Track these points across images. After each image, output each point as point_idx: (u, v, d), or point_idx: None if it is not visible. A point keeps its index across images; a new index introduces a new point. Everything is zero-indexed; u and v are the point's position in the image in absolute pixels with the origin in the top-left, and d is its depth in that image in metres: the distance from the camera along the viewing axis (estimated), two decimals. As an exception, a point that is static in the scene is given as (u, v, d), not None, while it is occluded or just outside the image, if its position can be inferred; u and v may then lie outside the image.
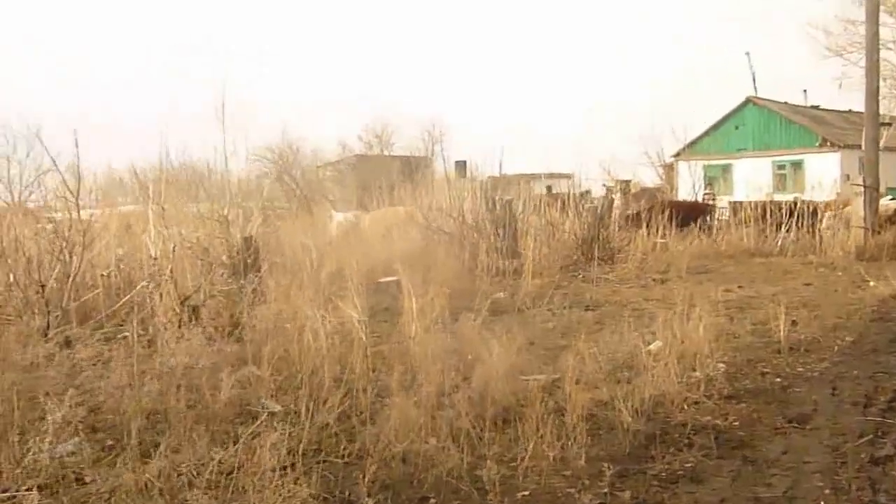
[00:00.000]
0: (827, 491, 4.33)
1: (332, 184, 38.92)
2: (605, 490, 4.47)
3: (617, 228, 16.53)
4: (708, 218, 19.51)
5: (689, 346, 7.68)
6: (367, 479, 4.59)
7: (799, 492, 4.36)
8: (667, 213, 17.76)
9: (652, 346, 8.10)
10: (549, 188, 34.01)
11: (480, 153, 44.87)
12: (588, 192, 27.78)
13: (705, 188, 30.37)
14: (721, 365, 7.44)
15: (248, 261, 10.12)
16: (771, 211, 18.38)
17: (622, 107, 70.56)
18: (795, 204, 18.65)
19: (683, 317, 8.38)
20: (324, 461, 5.08)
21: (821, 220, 18.59)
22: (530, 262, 12.87)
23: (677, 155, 36.46)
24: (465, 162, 44.75)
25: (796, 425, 5.51)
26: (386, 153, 41.50)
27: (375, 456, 5.00)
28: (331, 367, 6.03)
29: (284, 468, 4.75)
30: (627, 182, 40.32)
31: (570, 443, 5.06)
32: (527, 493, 4.52)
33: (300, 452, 5.20)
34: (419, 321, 7.51)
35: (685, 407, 6.03)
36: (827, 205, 20.24)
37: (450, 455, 4.96)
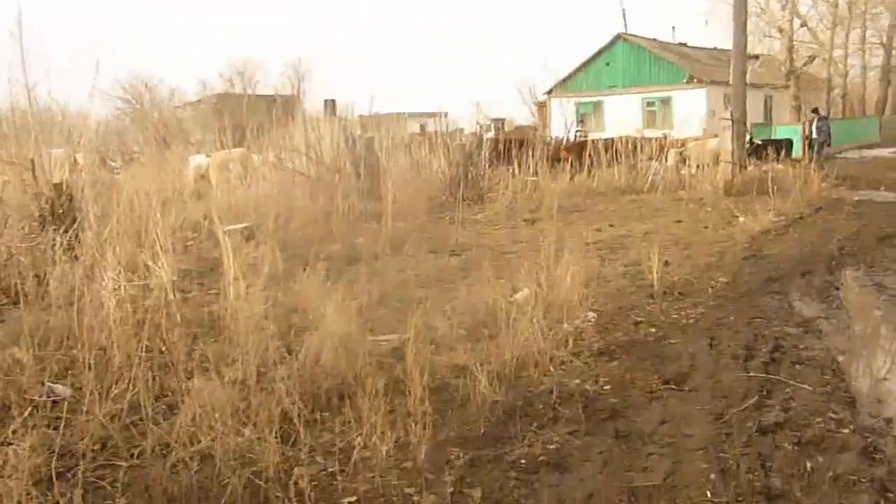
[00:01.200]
0: (712, 475, 3.63)
1: (193, 125, 36.47)
2: (451, 489, 3.61)
3: (486, 167, 15.72)
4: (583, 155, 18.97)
5: (558, 293, 6.97)
6: (149, 492, 3.57)
7: (680, 477, 3.64)
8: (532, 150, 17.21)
9: (518, 296, 7.34)
10: (422, 127, 32.98)
11: (350, 93, 43.06)
12: (461, 130, 26.95)
13: (577, 125, 30.08)
14: (591, 314, 6.76)
15: (60, 211, 8.68)
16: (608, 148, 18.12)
17: (495, 46, 69.77)
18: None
19: (552, 261, 7.68)
20: (102, 465, 4.01)
21: (665, 158, 18.55)
22: (390, 203, 11.88)
23: (549, 92, 36.08)
24: (333, 101, 42.96)
25: (673, 387, 4.83)
26: (249, 92, 39.19)
27: (170, 457, 3.98)
28: (126, 341, 4.86)
29: (46, 482, 3.67)
30: (502, 120, 39.88)
31: (413, 424, 4.16)
32: (353, 498, 3.60)
33: (78, 454, 4.12)
34: (250, 278, 6.40)
35: (551, 369, 5.26)
36: (671, 143, 20.27)
37: (266, 449, 3.98)
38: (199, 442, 4.03)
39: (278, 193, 13.24)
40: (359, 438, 4.08)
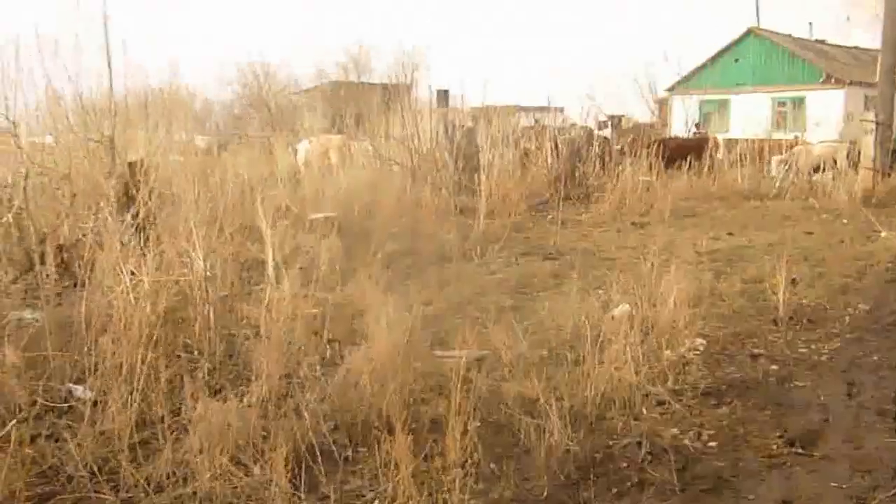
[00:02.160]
0: None
1: (306, 111, 36.69)
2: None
3: (596, 164, 14.63)
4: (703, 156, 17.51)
5: (662, 312, 5.96)
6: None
7: None
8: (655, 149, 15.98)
9: (615, 312, 6.36)
10: (536, 121, 31.88)
11: (463, 84, 42.23)
12: (573, 125, 25.76)
13: (696, 125, 28.33)
14: (700, 342, 5.72)
15: (132, 192, 8.27)
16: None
17: (616, 38, 67.62)
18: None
19: (658, 272, 6.70)
20: (86, 498, 3.36)
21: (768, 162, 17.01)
22: (485, 198, 11.04)
23: (671, 89, 34.27)
24: (447, 91, 42.40)
25: (800, 450, 3.78)
26: (364, 81, 39.07)
27: (164, 494, 3.29)
28: (132, 346, 4.21)
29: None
30: (620, 117, 38.29)
31: (453, 481, 3.31)
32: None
33: (65, 478, 3.50)
34: (303, 274, 5.73)
35: (644, 411, 4.30)
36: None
37: (274, 496, 3.23)
38: (195, 479, 3.31)
39: (371, 182, 12.61)
40: (389, 488, 3.28)
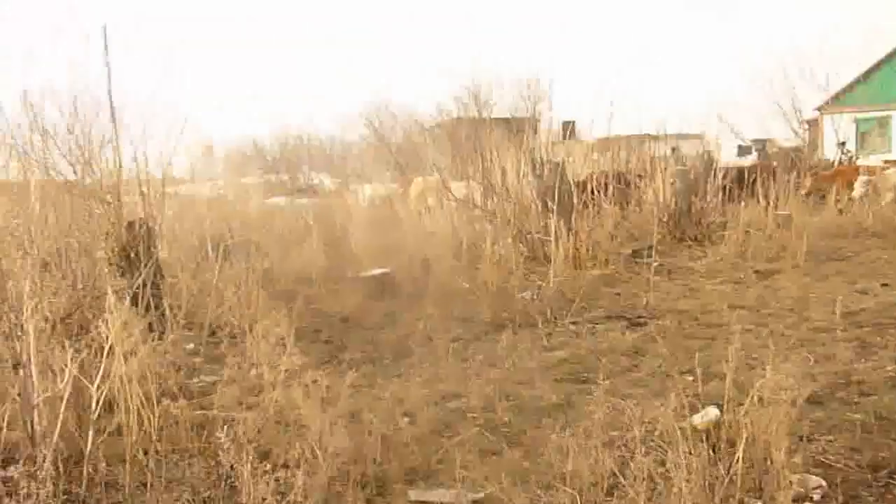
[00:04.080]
0: None
1: (431, 150, 35.82)
2: None
3: (719, 198, 12.41)
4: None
5: (762, 419, 4.06)
6: None
7: None
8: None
9: (698, 420, 4.51)
10: (673, 150, 29.43)
11: (592, 113, 40.19)
12: (707, 153, 23.22)
13: (842, 147, 24.98)
14: (817, 482, 3.75)
15: (132, 255, 7.13)
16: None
17: (753, 56, 63.21)
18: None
19: (777, 345, 4.83)
20: None
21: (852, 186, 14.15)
22: (557, 250, 9.24)
23: (820, 108, 30.81)
24: (573, 122, 40.48)
25: None
26: (485, 115, 37.88)
27: None
28: None
29: None
30: (763, 142, 35.01)
31: None
32: None
33: None
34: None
35: None
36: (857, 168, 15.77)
37: None
38: None
39: (442, 231, 11.08)
40: None
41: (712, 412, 4.47)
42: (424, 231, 11.55)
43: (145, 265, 6.94)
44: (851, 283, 8.46)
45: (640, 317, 7.46)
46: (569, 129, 39.89)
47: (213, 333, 7.09)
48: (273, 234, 11.37)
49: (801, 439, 4.22)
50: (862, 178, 14.30)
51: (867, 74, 30.15)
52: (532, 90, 38.66)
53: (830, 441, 4.22)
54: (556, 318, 7.30)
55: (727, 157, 32.53)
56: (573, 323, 7.27)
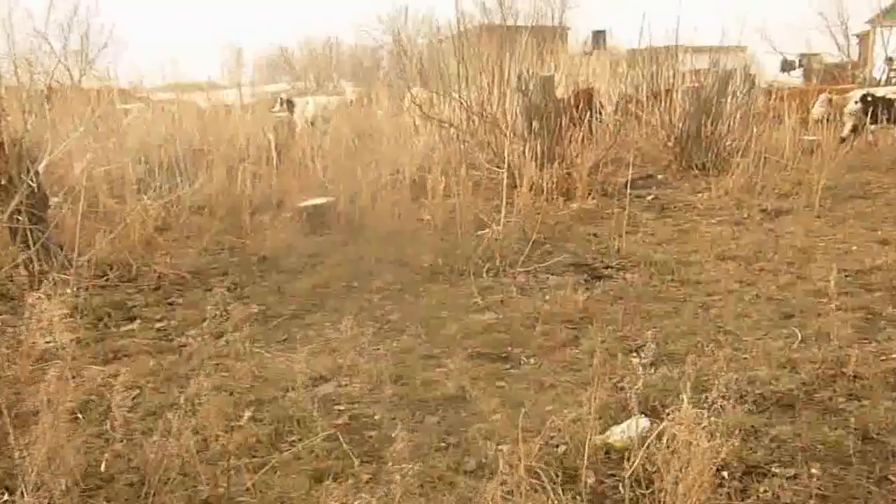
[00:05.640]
0: None
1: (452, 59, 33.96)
2: None
3: (735, 120, 10.88)
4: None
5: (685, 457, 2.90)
6: None
7: None
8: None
9: (617, 436, 3.39)
10: (714, 63, 27.43)
11: (624, 22, 37.82)
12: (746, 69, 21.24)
13: (888, 60, 22.78)
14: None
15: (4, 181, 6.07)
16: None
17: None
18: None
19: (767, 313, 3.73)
20: None
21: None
22: (521, 180, 7.95)
23: (872, 21, 28.24)
24: (604, 32, 37.94)
25: None
26: (510, 22, 35.76)
27: None
28: None
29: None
30: (810, 57, 32.56)
31: None
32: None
33: None
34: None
35: None
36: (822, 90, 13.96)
37: None
38: None
39: (410, 153, 9.80)
40: None
41: (638, 425, 3.31)
42: (400, 152, 10.29)
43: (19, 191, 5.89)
44: (872, 229, 7.10)
45: (607, 267, 6.24)
46: (600, 39, 37.58)
47: (103, 276, 6.07)
48: (235, 151, 10.21)
49: (751, 474, 3.08)
50: (822, 97, 12.65)
51: (926, -17, 27.50)
52: (558, -5, 36.43)
53: (792, 478, 3.06)
54: (505, 267, 6.12)
55: (771, 73, 30.30)
56: (527, 271, 6.08)
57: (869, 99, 11.54)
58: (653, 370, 4.13)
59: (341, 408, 3.85)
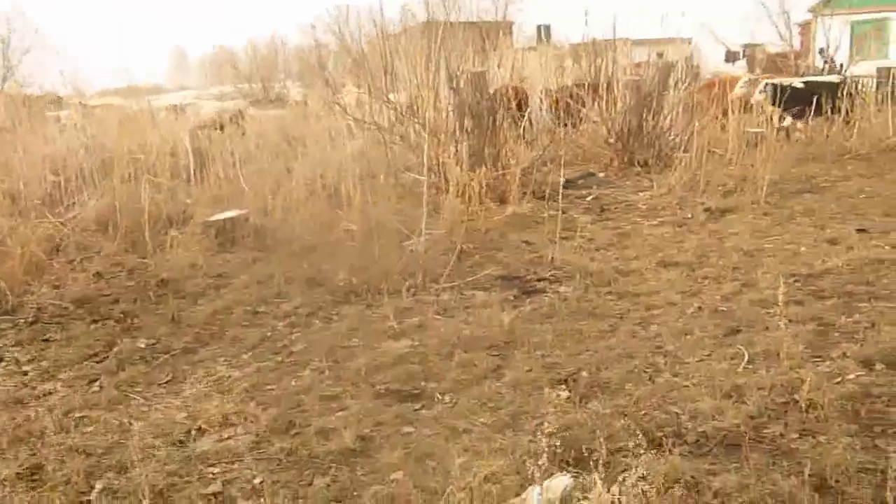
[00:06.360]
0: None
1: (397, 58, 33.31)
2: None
3: (676, 115, 10.50)
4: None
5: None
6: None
7: None
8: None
9: (533, 498, 2.83)
10: (659, 56, 27.31)
11: (568, 17, 37.59)
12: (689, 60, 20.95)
13: (821, 51, 22.81)
14: None
15: None
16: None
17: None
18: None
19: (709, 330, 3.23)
20: None
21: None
22: (448, 185, 7.42)
23: (813, 10, 28.35)
24: (548, 26, 37.69)
25: None
26: (453, 19, 35.27)
27: None
28: None
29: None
30: (753, 47, 32.63)
31: None
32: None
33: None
34: None
35: None
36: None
37: None
38: None
39: (347, 157, 9.22)
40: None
41: (559, 485, 2.78)
42: (327, 158, 9.67)
43: None
44: (820, 227, 6.69)
45: (540, 279, 5.72)
46: (544, 33, 37.24)
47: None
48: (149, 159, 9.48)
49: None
50: (743, 79, 12.47)
51: (865, -29, 27.68)
52: (501, -12, 35.96)
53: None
54: (426, 283, 5.57)
55: (716, 64, 30.22)
56: (450, 287, 5.54)
57: (773, 86, 11.39)
58: (582, 405, 3.62)
59: (216, 470, 3.25)
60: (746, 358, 4.05)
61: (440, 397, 3.85)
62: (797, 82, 11.85)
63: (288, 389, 4.00)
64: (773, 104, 11.06)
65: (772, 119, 11.00)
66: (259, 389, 4.01)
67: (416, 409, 3.73)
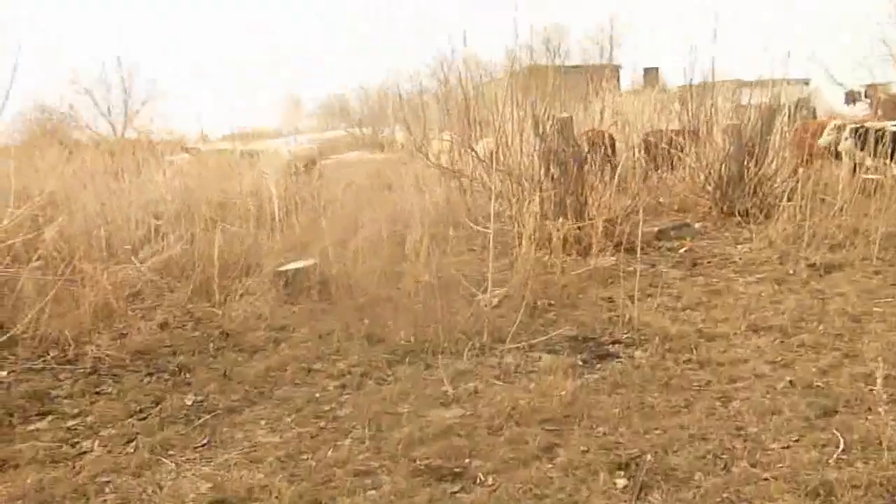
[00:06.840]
0: None
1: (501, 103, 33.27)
2: None
3: (780, 160, 9.80)
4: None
5: None
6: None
7: None
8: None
9: None
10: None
11: (675, 58, 36.74)
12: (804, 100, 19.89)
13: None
14: None
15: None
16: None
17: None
18: None
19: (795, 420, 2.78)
20: None
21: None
22: (522, 236, 7.03)
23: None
24: (656, 69, 36.88)
25: None
26: (558, 63, 35.00)
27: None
28: None
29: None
30: (876, 87, 30.89)
31: None
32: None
33: None
34: None
35: None
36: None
37: None
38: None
39: (430, 205, 9.03)
40: None
41: None
42: (410, 205, 9.49)
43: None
44: (942, 288, 5.98)
45: (614, 341, 5.27)
46: (650, 76, 36.42)
47: (41, 356, 5.40)
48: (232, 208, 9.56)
49: None
50: (830, 125, 11.25)
51: None
52: (606, 33, 35.54)
53: None
54: (491, 343, 5.21)
55: (836, 106, 28.66)
56: (516, 348, 5.16)
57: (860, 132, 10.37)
58: (641, 497, 3.18)
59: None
60: (841, 446, 3.51)
61: (482, 478, 3.47)
62: (891, 125, 10.81)
63: (322, 461, 3.71)
64: (862, 149, 10.13)
65: (857, 168, 10.10)
66: (293, 459, 3.75)
67: (453, 493, 3.37)
